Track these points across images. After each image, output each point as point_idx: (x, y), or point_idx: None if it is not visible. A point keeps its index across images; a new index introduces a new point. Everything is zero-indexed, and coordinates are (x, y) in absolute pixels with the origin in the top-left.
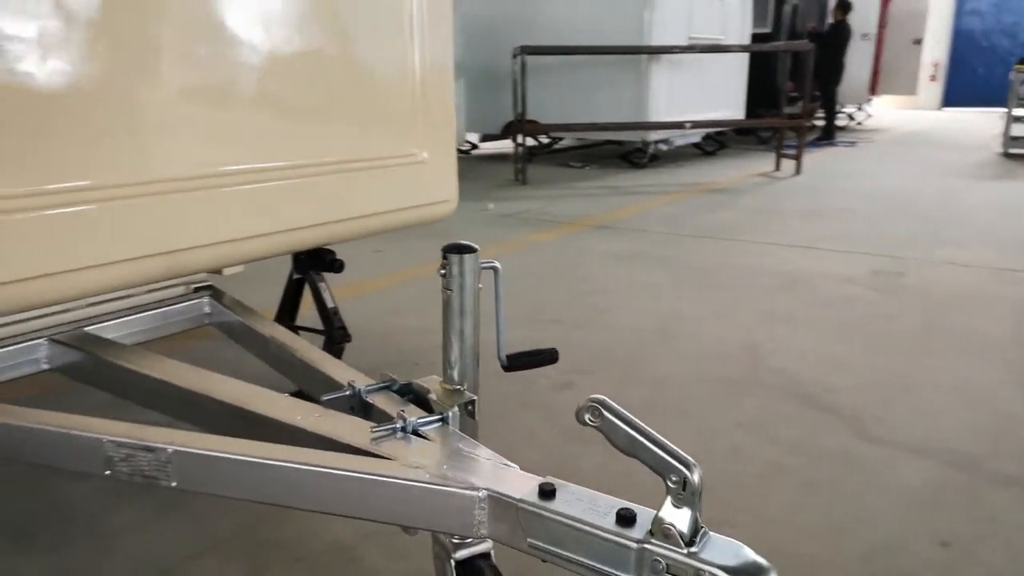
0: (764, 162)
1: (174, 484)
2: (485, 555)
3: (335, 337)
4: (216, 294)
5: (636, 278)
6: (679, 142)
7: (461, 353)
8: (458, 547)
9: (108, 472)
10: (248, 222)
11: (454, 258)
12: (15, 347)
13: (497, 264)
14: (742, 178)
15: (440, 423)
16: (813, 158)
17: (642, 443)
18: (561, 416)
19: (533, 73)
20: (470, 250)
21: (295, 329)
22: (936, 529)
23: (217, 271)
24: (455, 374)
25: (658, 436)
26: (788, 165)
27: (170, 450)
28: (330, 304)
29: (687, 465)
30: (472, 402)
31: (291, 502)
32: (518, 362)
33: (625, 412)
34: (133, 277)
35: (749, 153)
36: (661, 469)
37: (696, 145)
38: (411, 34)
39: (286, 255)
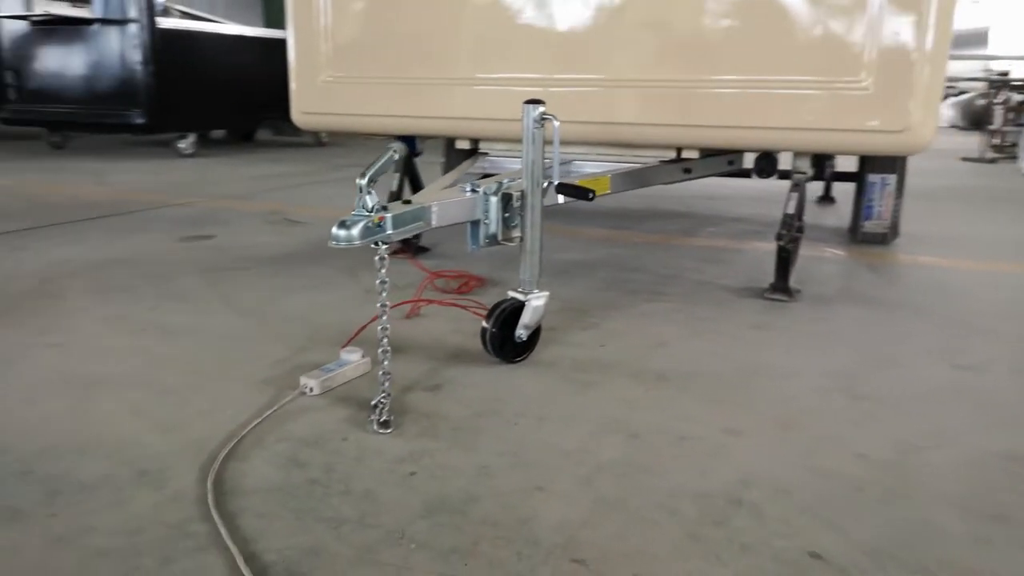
0: None
1: None
2: None
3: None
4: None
5: None
6: None
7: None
8: None
9: None
10: (707, 117)
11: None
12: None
13: (556, 121)
14: None
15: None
16: None
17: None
18: None
19: None
20: (539, 101)
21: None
22: None
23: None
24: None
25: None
26: None
27: None
28: (790, 210)
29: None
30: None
31: None
32: (563, 190)
33: None
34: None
35: None
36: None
37: None
38: None
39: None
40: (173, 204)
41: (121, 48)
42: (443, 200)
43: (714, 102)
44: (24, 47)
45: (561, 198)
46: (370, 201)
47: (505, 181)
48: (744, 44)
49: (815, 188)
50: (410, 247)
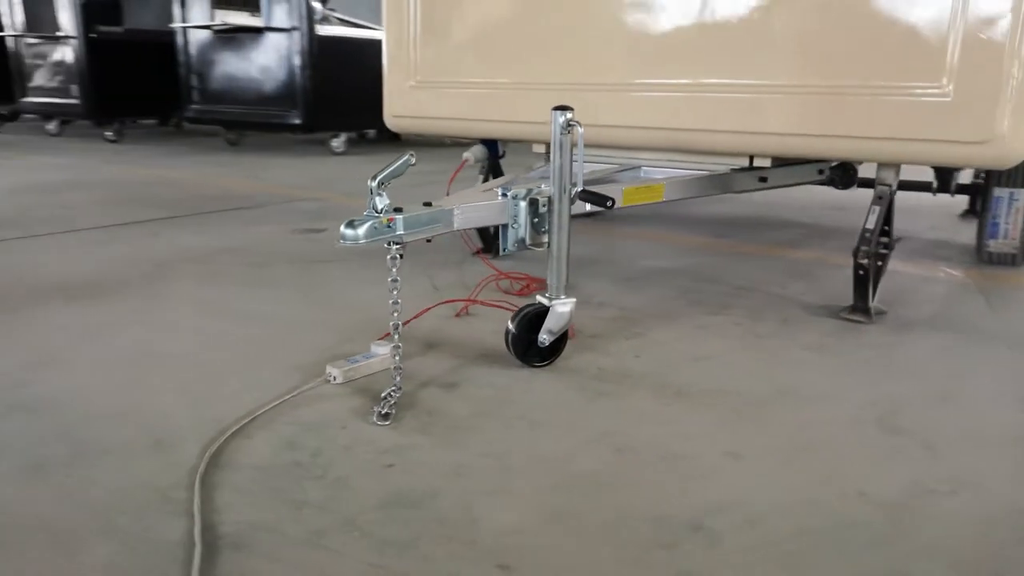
0: None
1: None
2: None
3: (857, 252)
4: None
5: None
6: None
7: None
8: None
9: None
10: (773, 123)
11: (557, 114)
12: (628, 169)
13: (581, 128)
14: None
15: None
16: None
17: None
18: None
19: None
20: (567, 107)
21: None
22: None
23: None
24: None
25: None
26: None
27: None
28: (870, 225)
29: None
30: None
31: None
32: (583, 195)
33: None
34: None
35: None
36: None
37: None
38: None
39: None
40: (306, 199)
41: (285, 54)
42: (467, 203)
43: (782, 108)
44: (205, 53)
45: (588, 206)
46: (379, 203)
47: (542, 186)
48: (814, 47)
49: (958, 202)
50: (491, 248)
